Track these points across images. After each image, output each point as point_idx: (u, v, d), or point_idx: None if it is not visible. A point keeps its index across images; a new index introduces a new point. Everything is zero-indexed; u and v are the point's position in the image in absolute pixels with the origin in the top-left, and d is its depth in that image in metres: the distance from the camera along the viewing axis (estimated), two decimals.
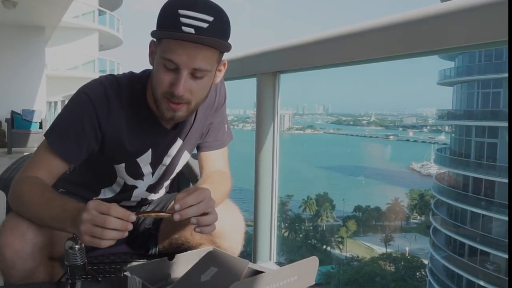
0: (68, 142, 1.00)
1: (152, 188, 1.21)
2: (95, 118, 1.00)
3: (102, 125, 1.00)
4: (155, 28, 0.91)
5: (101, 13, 18.27)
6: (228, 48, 0.93)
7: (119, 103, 1.01)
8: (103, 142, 1.03)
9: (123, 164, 1.10)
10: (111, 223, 0.81)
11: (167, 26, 0.89)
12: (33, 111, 7.27)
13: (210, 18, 0.88)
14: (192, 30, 0.87)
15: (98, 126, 1.00)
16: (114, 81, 1.03)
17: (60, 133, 1.01)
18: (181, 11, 0.87)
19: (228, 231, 1.10)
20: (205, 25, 0.87)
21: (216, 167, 1.18)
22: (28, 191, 0.96)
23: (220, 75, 1.03)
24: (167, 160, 1.14)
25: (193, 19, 0.87)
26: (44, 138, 1.03)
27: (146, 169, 1.13)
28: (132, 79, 1.05)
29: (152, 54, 0.98)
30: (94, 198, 1.15)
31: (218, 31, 0.90)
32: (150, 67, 1.02)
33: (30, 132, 6.94)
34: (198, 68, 0.91)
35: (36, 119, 7.15)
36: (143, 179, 1.15)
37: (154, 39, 0.95)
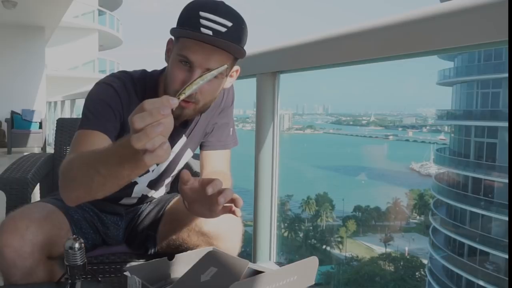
0: (102, 118, 1.00)
1: (153, 185, 1.22)
2: (120, 103, 1.02)
3: (124, 113, 1.01)
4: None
5: (101, 13, 18.24)
6: (242, 54, 0.95)
7: (136, 97, 1.04)
8: (120, 130, 1.04)
9: None
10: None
11: (187, 25, 0.92)
12: (33, 111, 7.27)
13: (229, 24, 0.91)
14: (210, 32, 0.90)
15: (122, 111, 1.02)
16: (129, 77, 1.07)
17: (92, 115, 1.00)
18: (202, 13, 0.90)
19: (226, 232, 1.10)
20: (223, 29, 0.90)
21: (217, 167, 1.19)
22: (76, 164, 0.86)
23: (231, 81, 1.06)
24: (170, 156, 1.15)
25: (212, 22, 0.90)
26: (77, 131, 0.99)
27: None
28: (145, 75, 1.09)
29: (168, 52, 1.01)
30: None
31: (235, 37, 0.92)
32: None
33: (30, 132, 6.94)
34: (211, 69, 0.92)
35: (36, 119, 7.16)
36: (144, 174, 1.17)
37: (172, 38, 0.98)
